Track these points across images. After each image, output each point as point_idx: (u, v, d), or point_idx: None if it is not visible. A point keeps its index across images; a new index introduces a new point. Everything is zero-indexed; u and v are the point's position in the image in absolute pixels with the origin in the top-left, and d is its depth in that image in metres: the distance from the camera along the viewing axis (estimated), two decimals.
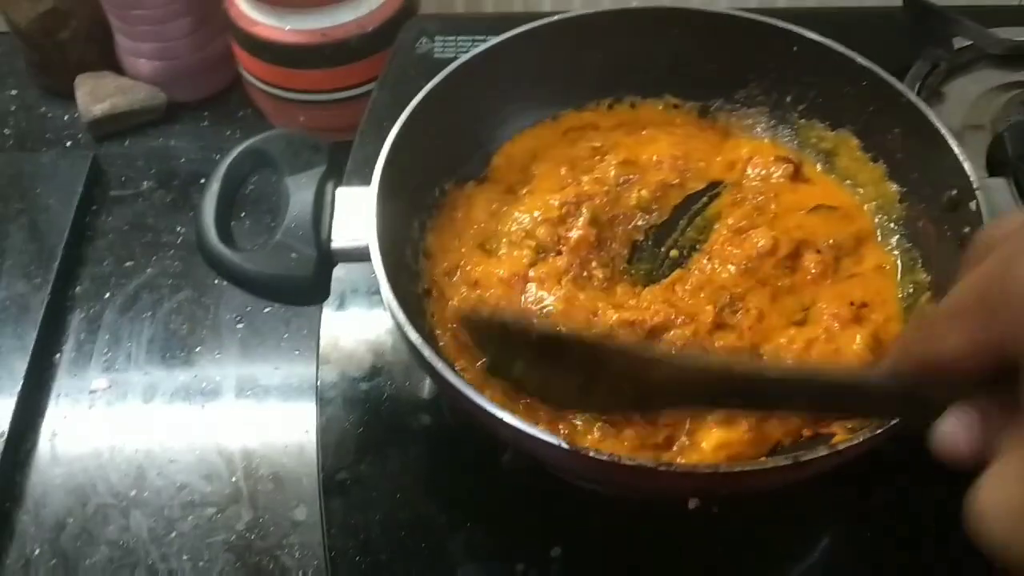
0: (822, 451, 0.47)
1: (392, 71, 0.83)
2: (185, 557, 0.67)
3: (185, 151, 0.95)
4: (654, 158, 0.70)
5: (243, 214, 0.87)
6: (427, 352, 0.51)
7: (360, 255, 0.57)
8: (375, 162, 0.60)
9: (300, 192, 0.59)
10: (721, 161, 0.71)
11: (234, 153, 0.61)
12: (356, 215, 0.58)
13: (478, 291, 0.63)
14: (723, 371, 0.43)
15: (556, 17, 0.69)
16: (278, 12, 0.86)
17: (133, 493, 0.71)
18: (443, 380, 0.51)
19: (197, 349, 0.79)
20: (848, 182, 0.70)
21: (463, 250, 0.66)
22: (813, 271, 0.64)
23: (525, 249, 0.65)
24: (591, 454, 0.47)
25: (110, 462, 0.72)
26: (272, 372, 0.78)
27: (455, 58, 0.67)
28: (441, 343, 0.62)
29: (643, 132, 0.72)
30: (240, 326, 0.81)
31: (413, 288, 0.63)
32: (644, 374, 0.44)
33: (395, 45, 0.85)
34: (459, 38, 0.85)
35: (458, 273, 0.65)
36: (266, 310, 0.81)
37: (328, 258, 0.58)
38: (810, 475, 0.49)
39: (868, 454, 0.49)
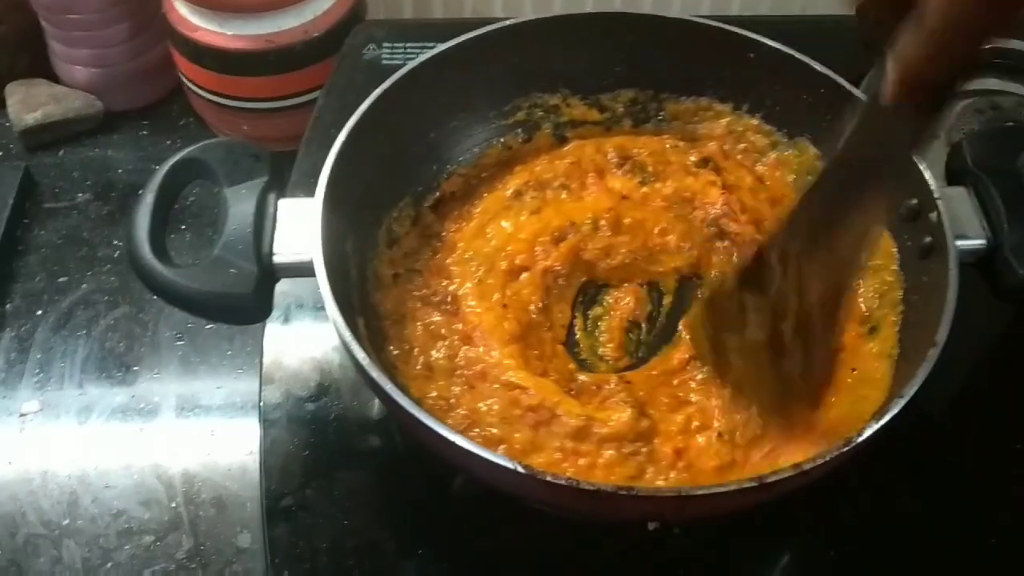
0: (787, 472, 0.46)
1: (338, 78, 0.80)
2: None
3: (123, 161, 0.92)
4: None
5: (183, 227, 0.84)
6: (375, 373, 0.49)
7: (304, 270, 0.54)
8: (320, 172, 0.57)
9: (240, 204, 0.56)
10: None
11: (170, 163, 0.58)
12: (300, 228, 0.56)
13: None
14: None
15: (506, 23, 0.67)
16: (220, 17, 0.83)
17: (66, 522, 0.68)
18: (392, 402, 0.48)
19: (135, 368, 0.76)
20: None
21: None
22: None
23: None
24: (547, 478, 0.45)
25: (41, 489, 0.69)
26: (214, 391, 0.75)
27: (403, 65, 0.65)
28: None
29: None
30: (181, 343, 0.78)
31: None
32: None
33: (342, 52, 0.83)
34: (407, 44, 0.83)
35: None
36: (208, 327, 0.78)
37: (270, 274, 0.55)
38: (775, 496, 0.48)
39: (832, 474, 0.48)
